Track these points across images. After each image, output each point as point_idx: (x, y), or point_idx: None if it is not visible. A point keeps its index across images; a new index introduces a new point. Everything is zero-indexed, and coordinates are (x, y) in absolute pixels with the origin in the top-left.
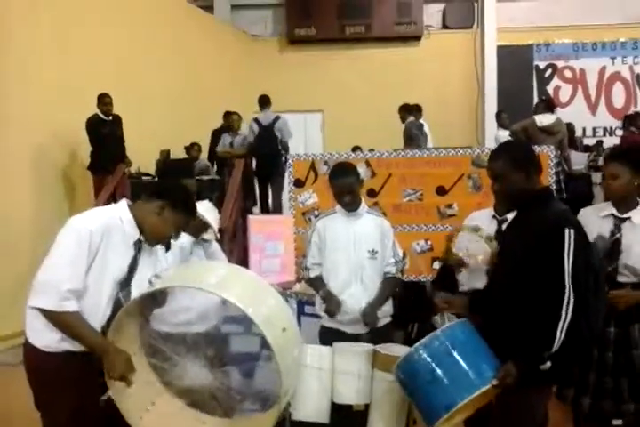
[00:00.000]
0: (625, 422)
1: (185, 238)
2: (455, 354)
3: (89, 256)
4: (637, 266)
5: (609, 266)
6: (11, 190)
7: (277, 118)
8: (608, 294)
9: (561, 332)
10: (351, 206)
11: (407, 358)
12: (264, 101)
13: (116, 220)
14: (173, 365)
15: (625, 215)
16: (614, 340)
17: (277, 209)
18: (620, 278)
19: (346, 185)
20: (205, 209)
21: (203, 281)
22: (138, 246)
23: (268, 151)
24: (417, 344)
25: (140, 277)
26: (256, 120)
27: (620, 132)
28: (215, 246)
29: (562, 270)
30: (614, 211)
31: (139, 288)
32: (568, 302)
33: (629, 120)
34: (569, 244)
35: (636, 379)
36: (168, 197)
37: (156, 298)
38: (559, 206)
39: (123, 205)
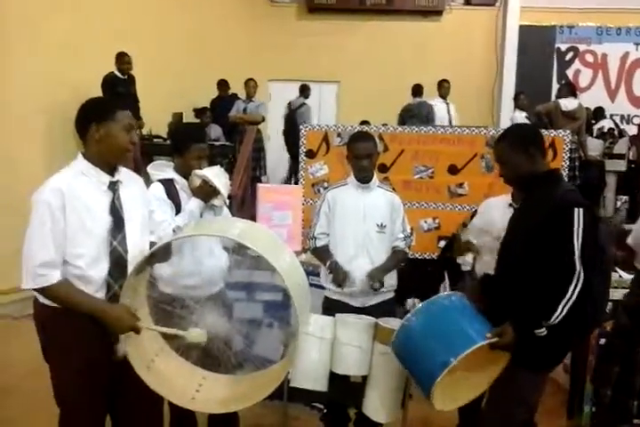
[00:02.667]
0: None
1: (194, 203)
2: (451, 315)
3: (55, 223)
4: None
5: None
6: (22, 146)
7: (302, 105)
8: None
9: (563, 307)
10: (367, 173)
11: (404, 324)
12: (303, 90)
13: (75, 174)
14: (190, 313)
15: None
16: None
17: None
18: None
19: (366, 148)
20: (215, 174)
21: (227, 231)
22: (113, 189)
23: (293, 132)
24: (413, 310)
25: (131, 220)
26: (289, 103)
27: (637, 120)
28: (226, 212)
29: (572, 250)
30: None
31: (134, 232)
32: (577, 282)
33: None
34: (578, 223)
35: None
36: (89, 118)
37: (168, 252)
38: (568, 187)
39: (79, 157)
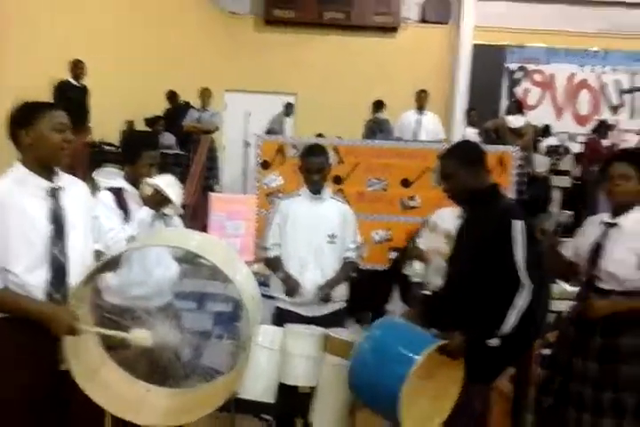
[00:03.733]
0: None
1: (144, 212)
2: (398, 334)
3: None
4: (617, 273)
5: (590, 271)
6: None
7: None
8: (587, 300)
9: (512, 317)
10: (318, 186)
11: (356, 348)
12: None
13: (13, 181)
14: (141, 324)
15: (614, 221)
16: (599, 350)
17: None
18: (602, 285)
19: (317, 163)
20: (167, 184)
21: (185, 243)
22: (53, 195)
23: None
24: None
25: (74, 227)
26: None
27: (580, 139)
28: (177, 222)
29: (515, 262)
30: (607, 217)
31: (76, 239)
32: (525, 292)
33: (596, 128)
34: (522, 235)
35: (618, 394)
36: (16, 124)
37: (120, 262)
38: (508, 201)
39: (16, 164)
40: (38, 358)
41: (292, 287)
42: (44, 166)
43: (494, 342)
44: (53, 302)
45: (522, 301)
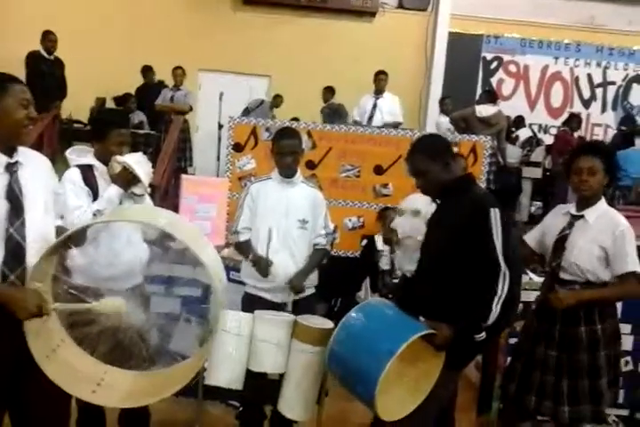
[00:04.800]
0: (557, 425)
1: (113, 190)
2: (388, 313)
3: None
4: (580, 264)
5: (553, 262)
6: None
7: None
8: (553, 289)
9: (496, 305)
10: (290, 170)
11: (343, 322)
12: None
13: None
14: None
15: (580, 213)
16: (559, 339)
17: None
18: (564, 276)
19: (290, 146)
20: (136, 161)
21: (153, 220)
22: (10, 171)
23: None
24: (352, 310)
25: (33, 203)
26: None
27: (553, 131)
28: (147, 201)
29: (493, 249)
30: (573, 209)
31: (35, 216)
32: (504, 279)
33: (567, 120)
34: (495, 223)
35: (576, 382)
36: None
37: (85, 236)
38: (480, 190)
39: None
40: None
41: (264, 266)
42: (4, 141)
43: (481, 335)
44: (9, 283)
45: (502, 286)
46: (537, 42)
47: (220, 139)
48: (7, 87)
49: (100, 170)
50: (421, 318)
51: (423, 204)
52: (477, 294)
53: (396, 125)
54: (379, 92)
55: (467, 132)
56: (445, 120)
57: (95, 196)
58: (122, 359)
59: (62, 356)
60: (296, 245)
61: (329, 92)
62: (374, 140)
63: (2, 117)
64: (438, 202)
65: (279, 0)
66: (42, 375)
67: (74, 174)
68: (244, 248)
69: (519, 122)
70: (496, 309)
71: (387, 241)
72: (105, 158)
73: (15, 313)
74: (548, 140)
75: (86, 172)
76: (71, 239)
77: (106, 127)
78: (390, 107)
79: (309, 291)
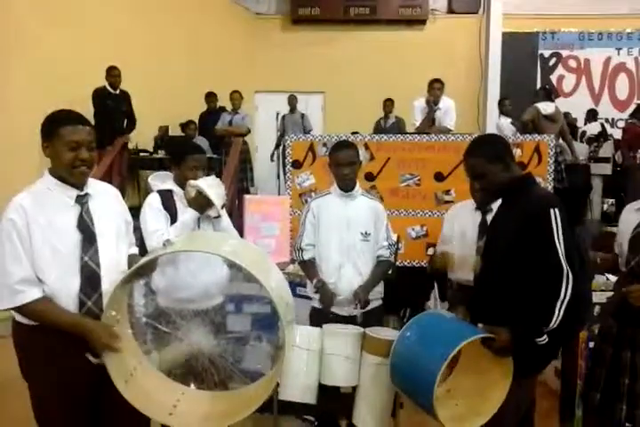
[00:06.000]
0: None
1: (188, 214)
2: (443, 322)
3: (22, 241)
4: None
5: (632, 260)
6: (14, 162)
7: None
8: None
9: (559, 308)
10: (349, 181)
11: (399, 338)
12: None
13: (41, 190)
14: (176, 328)
15: None
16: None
17: None
18: None
19: (347, 156)
20: (209, 185)
21: (218, 248)
22: (81, 202)
23: None
24: (405, 325)
25: (104, 233)
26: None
27: (621, 124)
28: (224, 224)
29: (555, 250)
30: None
31: (107, 245)
32: (567, 281)
33: (635, 112)
34: (557, 224)
35: None
36: (42, 135)
37: (154, 266)
38: (541, 190)
39: (45, 173)
40: (72, 360)
41: (327, 298)
42: (66, 179)
43: (542, 339)
44: (86, 309)
45: (565, 289)
46: (596, 34)
47: (278, 157)
48: (57, 130)
49: (179, 194)
50: (479, 325)
51: (466, 212)
52: (540, 297)
53: (446, 131)
54: (435, 102)
55: (532, 132)
56: (506, 121)
57: (174, 219)
58: (195, 383)
59: (139, 379)
60: (360, 258)
61: (390, 104)
62: (432, 147)
63: (54, 160)
64: (483, 209)
65: (327, 16)
66: (121, 396)
67: (153, 199)
68: (309, 268)
69: (591, 116)
70: (559, 312)
71: None
72: (182, 183)
73: (89, 343)
74: (617, 134)
75: (166, 196)
76: (143, 269)
77: (180, 153)
78: (445, 114)
79: (376, 303)
